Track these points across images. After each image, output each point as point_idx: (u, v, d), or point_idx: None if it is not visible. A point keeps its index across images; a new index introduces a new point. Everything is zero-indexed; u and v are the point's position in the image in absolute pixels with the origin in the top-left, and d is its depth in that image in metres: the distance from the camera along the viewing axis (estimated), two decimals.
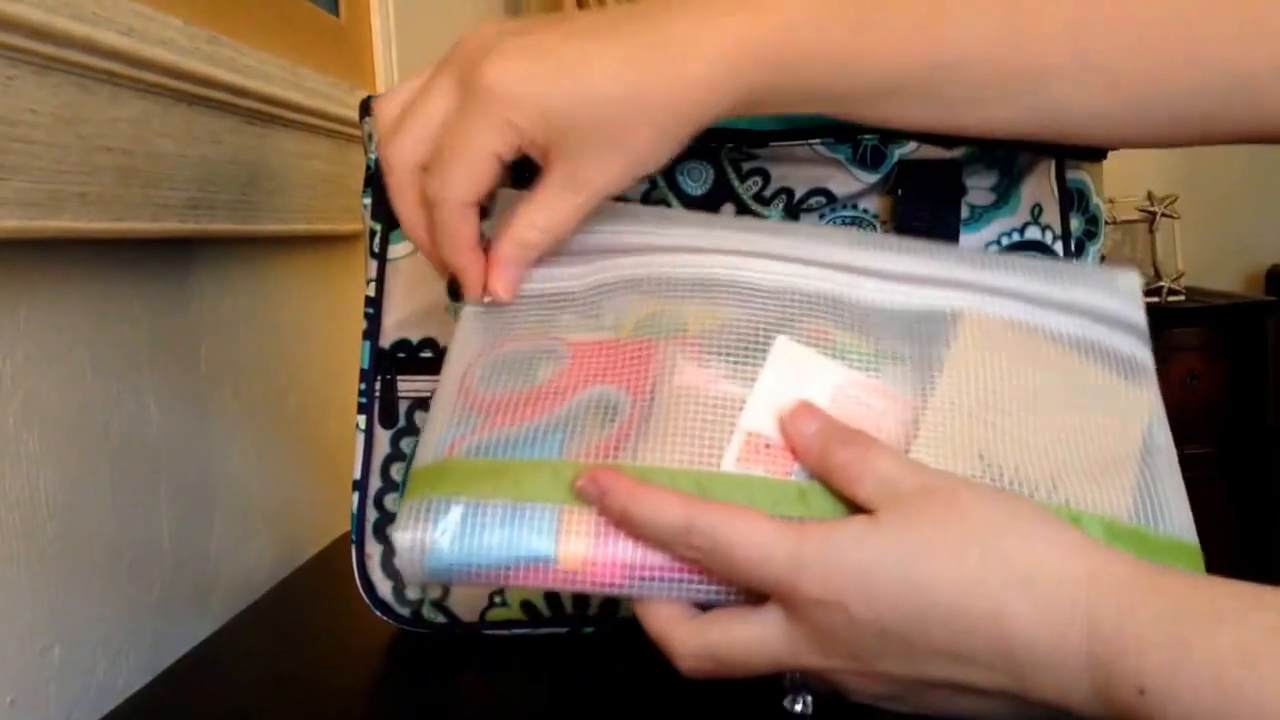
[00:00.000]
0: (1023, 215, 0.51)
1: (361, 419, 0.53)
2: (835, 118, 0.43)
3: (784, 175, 0.50)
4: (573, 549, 0.36)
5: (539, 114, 0.37)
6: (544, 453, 0.37)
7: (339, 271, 0.80)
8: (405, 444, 0.53)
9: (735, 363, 0.39)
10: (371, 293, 0.53)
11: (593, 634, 0.53)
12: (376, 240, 0.53)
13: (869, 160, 0.49)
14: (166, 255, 0.57)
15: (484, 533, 0.36)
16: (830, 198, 0.50)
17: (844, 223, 0.51)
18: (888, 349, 0.40)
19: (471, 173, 0.39)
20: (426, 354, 0.53)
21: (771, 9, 0.38)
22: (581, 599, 0.52)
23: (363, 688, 0.50)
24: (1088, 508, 0.37)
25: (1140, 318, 0.44)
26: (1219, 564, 0.35)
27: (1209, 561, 0.38)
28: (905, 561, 0.33)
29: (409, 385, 0.53)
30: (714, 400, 0.38)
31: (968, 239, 0.51)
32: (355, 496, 0.53)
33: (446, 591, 0.52)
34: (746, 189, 0.51)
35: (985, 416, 0.38)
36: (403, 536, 0.36)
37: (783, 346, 0.39)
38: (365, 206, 0.53)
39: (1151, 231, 2.03)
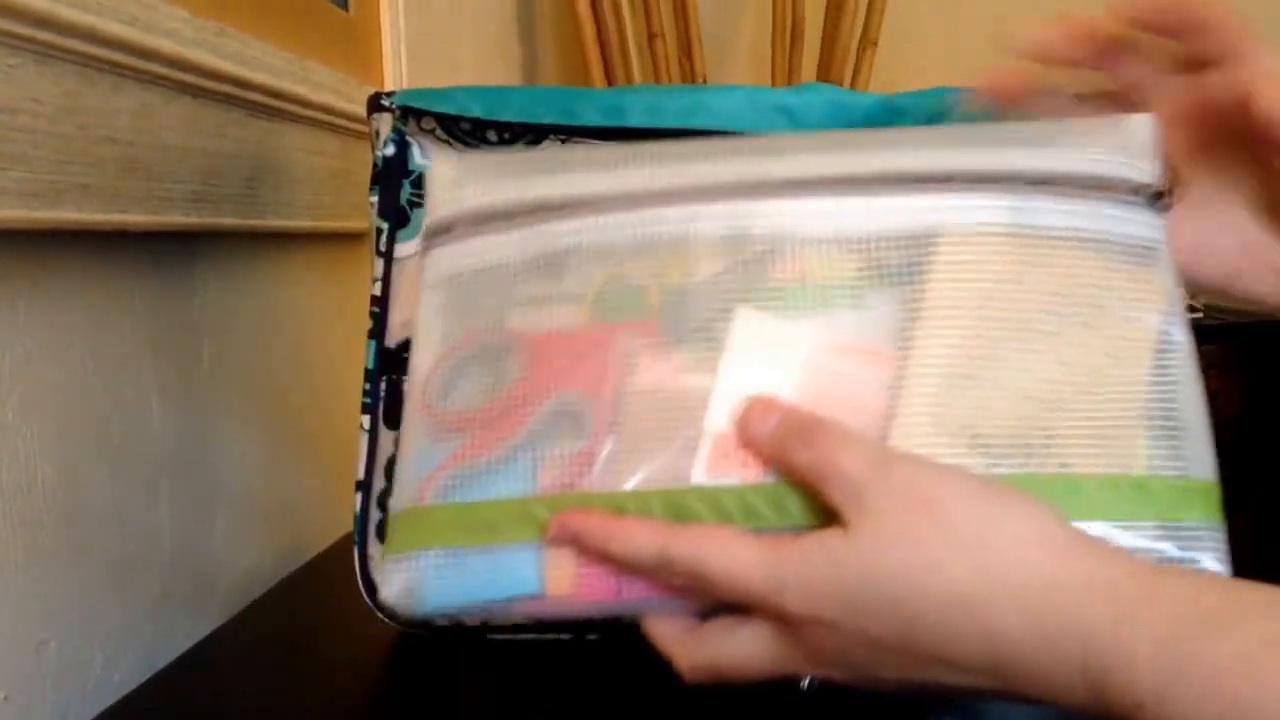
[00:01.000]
0: None
1: (366, 419, 0.53)
2: None
3: None
4: (558, 582, 0.37)
5: None
6: (513, 486, 0.38)
7: (345, 269, 0.80)
8: None
9: (696, 351, 0.38)
10: (377, 292, 0.52)
11: (596, 639, 0.52)
12: (383, 239, 0.52)
13: None
14: (170, 250, 0.56)
15: (469, 579, 0.38)
16: None
17: None
18: (862, 285, 0.38)
19: None
20: None
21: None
22: None
23: (363, 689, 0.49)
24: (1088, 468, 0.35)
25: (1152, 171, 0.39)
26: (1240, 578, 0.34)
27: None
28: (887, 578, 0.33)
29: None
30: (677, 402, 0.37)
31: None
32: (358, 496, 0.52)
33: None
34: None
35: (969, 369, 0.36)
36: (390, 590, 0.39)
37: (744, 322, 0.38)
38: (372, 204, 0.53)
39: None
